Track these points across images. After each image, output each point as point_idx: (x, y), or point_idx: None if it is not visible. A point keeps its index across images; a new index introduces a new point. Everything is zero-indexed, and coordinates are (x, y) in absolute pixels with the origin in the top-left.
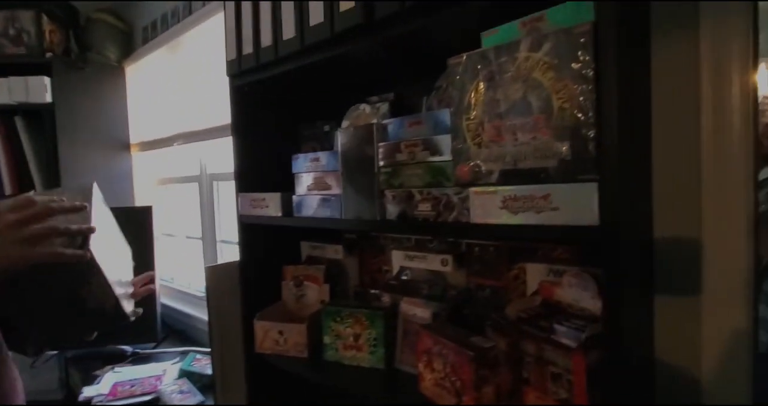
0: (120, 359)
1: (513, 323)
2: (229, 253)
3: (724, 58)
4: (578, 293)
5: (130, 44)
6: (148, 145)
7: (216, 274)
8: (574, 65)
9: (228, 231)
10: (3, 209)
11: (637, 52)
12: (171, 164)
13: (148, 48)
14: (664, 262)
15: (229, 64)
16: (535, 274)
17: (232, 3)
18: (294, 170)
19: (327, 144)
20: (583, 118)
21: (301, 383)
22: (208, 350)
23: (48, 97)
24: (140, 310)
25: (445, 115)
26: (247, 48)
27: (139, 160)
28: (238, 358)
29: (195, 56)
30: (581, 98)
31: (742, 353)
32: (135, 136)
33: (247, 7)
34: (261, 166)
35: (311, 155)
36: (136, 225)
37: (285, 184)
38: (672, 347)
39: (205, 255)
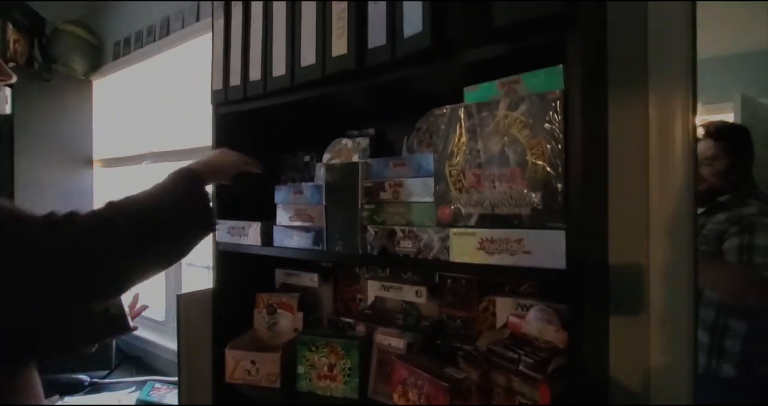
0: (77, 388)
1: (484, 355)
2: (193, 276)
3: (668, 115)
4: (543, 327)
5: (99, 58)
6: (113, 162)
7: (188, 302)
8: (547, 126)
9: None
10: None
11: (598, 115)
12: (136, 183)
13: (119, 63)
14: (617, 292)
15: (215, 93)
16: (504, 307)
17: (221, 33)
18: (276, 201)
19: (307, 175)
20: (553, 172)
21: None
22: (168, 378)
23: (7, 109)
24: (137, 326)
25: (429, 160)
26: (235, 80)
27: (101, 176)
28: (205, 388)
29: (169, 76)
30: (552, 155)
31: (685, 371)
32: (99, 151)
33: (236, 41)
34: (239, 193)
35: (294, 188)
36: None
37: (263, 212)
38: (624, 365)
39: (167, 278)
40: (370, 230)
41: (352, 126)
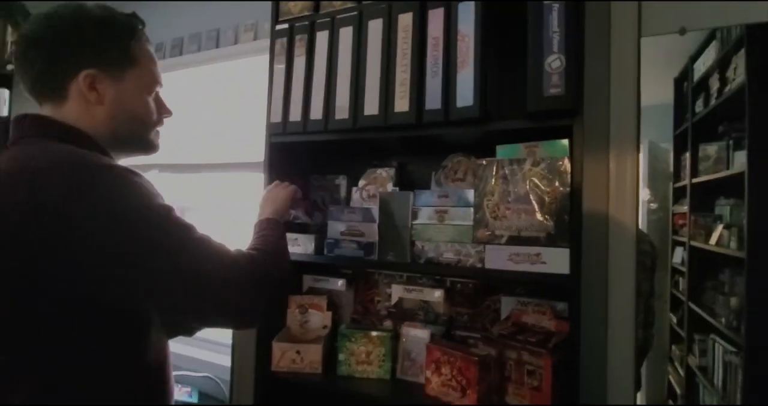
0: None
1: (498, 337)
2: None
3: (622, 168)
4: (539, 318)
5: None
6: None
7: None
8: (558, 179)
9: None
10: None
11: (591, 169)
12: None
13: None
14: (587, 296)
15: (274, 124)
16: (507, 304)
17: (282, 74)
18: (329, 218)
19: (337, 195)
20: (561, 208)
21: (315, 396)
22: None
23: (5, 111)
24: None
25: (468, 195)
26: (295, 116)
27: None
28: (249, 378)
29: (177, 93)
30: (561, 198)
31: (628, 356)
32: None
33: (298, 83)
34: None
35: (347, 208)
36: None
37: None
38: (591, 351)
39: None
40: (418, 244)
41: (374, 156)
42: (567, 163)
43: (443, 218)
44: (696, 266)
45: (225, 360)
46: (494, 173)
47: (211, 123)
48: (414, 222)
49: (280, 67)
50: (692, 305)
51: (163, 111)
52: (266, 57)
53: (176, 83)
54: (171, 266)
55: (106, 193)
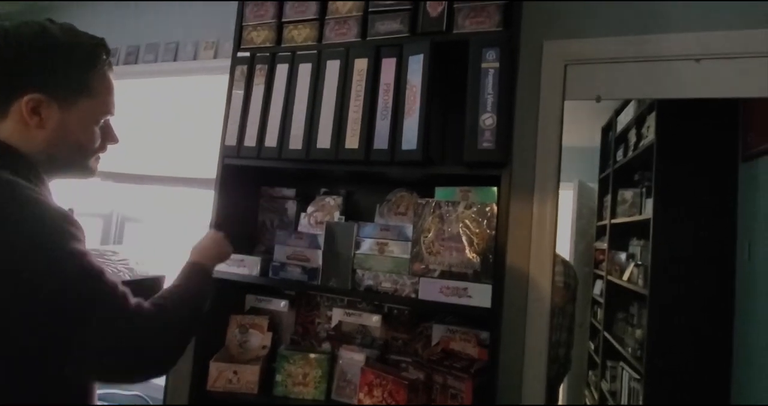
0: None
1: (426, 362)
2: None
3: (543, 210)
4: (465, 345)
5: None
6: None
7: None
8: (485, 222)
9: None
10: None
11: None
12: (75, 196)
13: None
14: (508, 326)
15: (228, 148)
16: (438, 331)
17: (240, 100)
18: (276, 242)
19: (286, 218)
20: (487, 249)
21: None
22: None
23: None
24: None
25: (409, 230)
26: (250, 141)
27: None
28: (183, 397)
29: (129, 102)
30: (488, 239)
31: (541, 363)
32: None
33: (255, 110)
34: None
35: (295, 234)
36: None
37: (243, 241)
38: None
39: None
40: (359, 272)
41: (324, 182)
42: (494, 209)
43: (383, 250)
44: (611, 299)
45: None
46: (432, 212)
47: (162, 135)
48: (357, 251)
49: (238, 93)
50: (606, 335)
51: (109, 138)
52: (224, 77)
53: (129, 92)
54: (57, 315)
55: (12, 229)
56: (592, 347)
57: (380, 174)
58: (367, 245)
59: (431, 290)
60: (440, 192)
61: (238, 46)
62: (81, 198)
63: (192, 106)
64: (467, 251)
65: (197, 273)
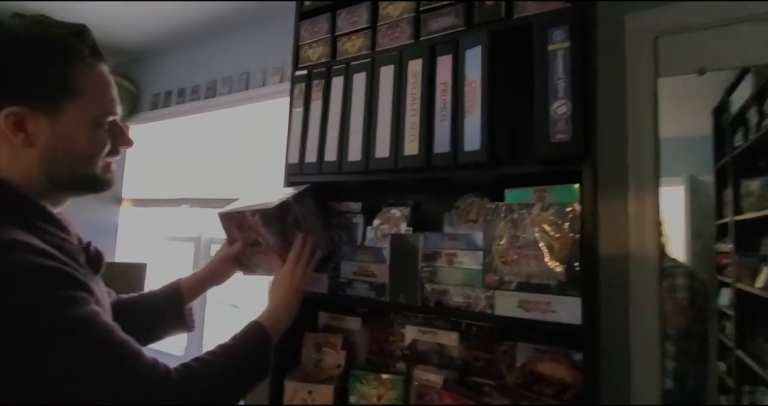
0: None
1: (511, 387)
2: (216, 314)
3: (641, 209)
4: (556, 367)
5: (135, 105)
6: (144, 202)
7: None
8: (567, 225)
9: (224, 293)
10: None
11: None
12: (165, 222)
13: (158, 113)
14: (608, 347)
15: (290, 166)
16: (523, 351)
17: (300, 117)
18: (342, 258)
19: (353, 233)
20: (572, 256)
21: None
22: None
23: None
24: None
25: (477, 238)
26: (311, 157)
27: (128, 214)
28: None
29: (209, 132)
30: (572, 244)
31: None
32: (128, 190)
33: (315, 126)
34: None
35: (360, 249)
36: (128, 282)
37: None
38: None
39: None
40: (428, 287)
41: (391, 194)
42: (576, 209)
43: (452, 261)
44: (743, 310)
45: None
46: (502, 217)
47: (242, 161)
48: (423, 264)
49: (298, 111)
50: (741, 353)
51: (120, 142)
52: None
53: (209, 124)
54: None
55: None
56: (723, 368)
57: (446, 180)
58: (434, 257)
59: (508, 305)
60: (511, 194)
61: (296, 65)
62: (173, 224)
63: (265, 130)
64: (547, 259)
65: (254, 336)
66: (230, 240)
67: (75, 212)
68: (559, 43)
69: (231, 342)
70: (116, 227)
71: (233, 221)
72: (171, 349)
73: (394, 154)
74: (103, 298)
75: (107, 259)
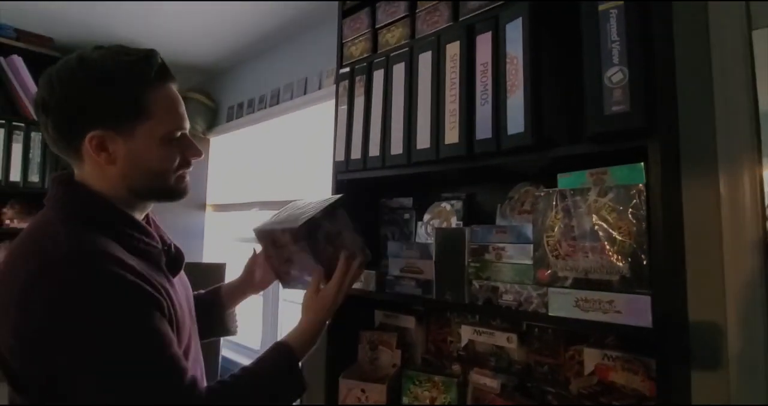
0: None
1: (576, 398)
2: (289, 311)
3: (737, 191)
4: (630, 377)
5: (215, 119)
6: (223, 207)
7: None
8: (631, 211)
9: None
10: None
11: (674, 199)
12: (240, 225)
13: (232, 125)
14: (698, 346)
15: (337, 163)
16: (591, 357)
17: (345, 114)
18: (388, 254)
19: (406, 230)
20: (638, 248)
21: None
22: None
23: None
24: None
25: (527, 229)
26: (356, 154)
27: (212, 218)
28: None
29: (277, 137)
30: (637, 234)
31: None
32: (211, 197)
33: (358, 122)
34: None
35: (405, 244)
36: (210, 280)
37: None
38: None
39: (265, 312)
40: (475, 284)
41: (443, 187)
42: (641, 192)
43: (501, 255)
44: None
45: None
46: (553, 205)
47: (302, 162)
48: (470, 260)
49: (342, 108)
50: None
51: (190, 154)
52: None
53: (276, 130)
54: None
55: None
56: None
57: (496, 169)
58: (481, 252)
59: (564, 304)
60: (564, 180)
61: (340, 63)
62: (246, 226)
63: (322, 131)
64: (608, 251)
65: (282, 357)
66: (267, 256)
67: (168, 219)
68: (610, 1)
69: (258, 363)
70: (203, 231)
71: (268, 237)
72: (248, 342)
73: (435, 144)
74: (180, 294)
75: (195, 260)
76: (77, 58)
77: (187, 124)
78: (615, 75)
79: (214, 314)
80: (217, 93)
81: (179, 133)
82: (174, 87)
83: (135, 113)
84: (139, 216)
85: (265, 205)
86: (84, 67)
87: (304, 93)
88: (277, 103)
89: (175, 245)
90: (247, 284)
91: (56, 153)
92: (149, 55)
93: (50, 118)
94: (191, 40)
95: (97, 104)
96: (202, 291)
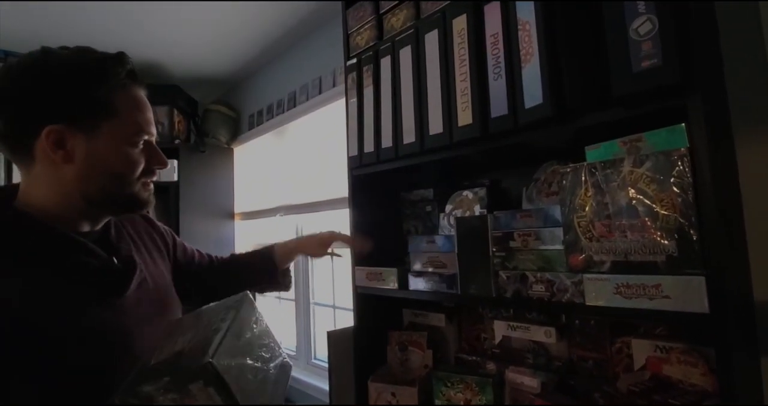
0: None
1: (625, 396)
2: (321, 314)
3: None
4: (688, 370)
5: (237, 129)
6: (250, 215)
7: (336, 338)
8: (674, 180)
9: (320, 294)
10: None
11: (726, 163)
12: (269, 231)
13: (253, 132)
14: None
15: (351, 158)
16: (641, 349)
17: (355, 107)
18: (410, 250)
19: (429, 223)
20: (685, 222)
21: None
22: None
23: (175, 176)
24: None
25: (556, 211)
26: (368, 147)
27: (240, 226)
28: None
29: (297, 140)
30: (683, 206)
31: None
32: (238, 206)
33: (369, 114)
34: (372, 240)
35: (426, 238)
36: None
37: (390, 253)
38: None
39: (297, 315)
40: (502, 274)
41: (466, 175)
42: (685, 157)
43: (527, 242)
44: None
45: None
46: (582, 182)
47: (322, 163)
48: (495, 249)
49: (352, 101)
50: None
51: (155, 162)
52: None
53: (295, 133)
54: None
55: None
56: None
57: (517, 150)
58: (506, 239)
59: (602, 291)
60: (592, 152)
61: (347, 55)
62: (271, 232)
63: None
64: (650, 227)
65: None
66: None
67: (200, 231)
68: None
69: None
70: (233, 239)
71: None
72: (284, 344)
73: (448, 127)
74: (130, 311)
75: None
76: (42, 51)
77: (154, 131)
78: (642, 25)
79: (269, 273)
80: (238, 103)
81: (145, 138)
82: (144, 93)
83: (100, 110)
84: (88, 227)
85: (288, 209)
86: (49, 59)
87: (320, 92)
88: (294, 106)
89: (130, 260)
90: (303, 249)
91: (2, 152)
92: (120, 56)
93: (3, 109)
94: (207, 54)
95: (59, 96)
96: (250, 252)
